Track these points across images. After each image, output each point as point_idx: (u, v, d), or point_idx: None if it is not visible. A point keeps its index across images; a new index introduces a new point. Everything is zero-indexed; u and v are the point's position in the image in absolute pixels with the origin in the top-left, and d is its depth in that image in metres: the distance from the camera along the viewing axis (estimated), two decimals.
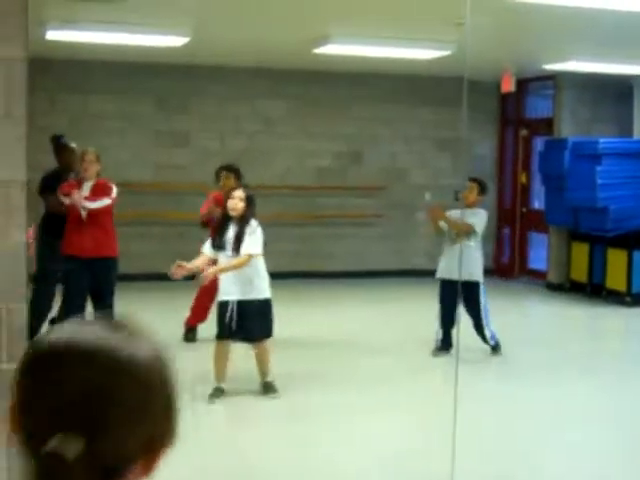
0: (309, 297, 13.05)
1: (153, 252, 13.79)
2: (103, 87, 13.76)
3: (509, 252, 15.87)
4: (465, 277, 9.02)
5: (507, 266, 15.83)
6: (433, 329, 9.73)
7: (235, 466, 6.38)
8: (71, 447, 1.23)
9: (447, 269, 9.45)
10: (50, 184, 9.30)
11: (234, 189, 7.98)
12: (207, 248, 7.93)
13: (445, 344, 9.64)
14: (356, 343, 10.35)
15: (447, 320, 9.55)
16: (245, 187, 8.12)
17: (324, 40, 10.66)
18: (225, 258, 7.78)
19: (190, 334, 10.06)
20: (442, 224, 9.71)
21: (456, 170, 14.93)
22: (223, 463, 6.42)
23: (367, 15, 9.32)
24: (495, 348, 9.74)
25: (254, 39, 11.11)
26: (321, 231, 14.94)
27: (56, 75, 13.29)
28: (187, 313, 10.12)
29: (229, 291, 7.80)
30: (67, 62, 13.13)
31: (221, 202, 8.47)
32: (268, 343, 8.02)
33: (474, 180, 9.88)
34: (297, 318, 10.85)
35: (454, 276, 8.86)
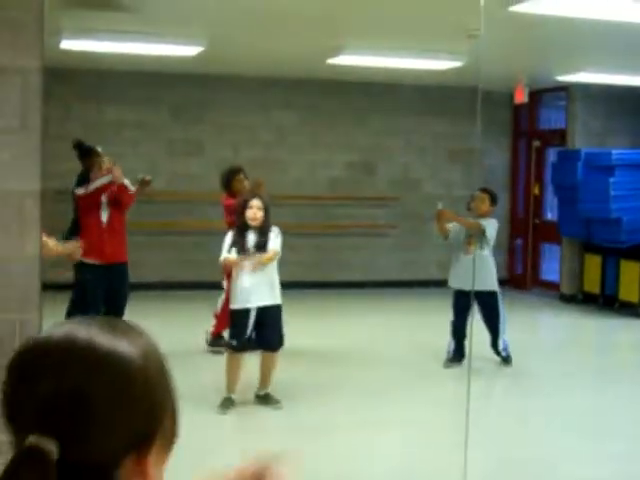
0: (321, 307, 13.05)
1: (166, 261, 13.84)
2: (118, 96, 13.82)
3: (522, 263, 15.86)
4: (481, 287, 9.07)
5: (520, 277, 15.81)
6: (445, 340, 9.72)
7: None
8: (47, 448, 1.22)
9: (462, 279, 9.41)
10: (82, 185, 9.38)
11: (250, 198, 7.93)
12: (230, 253, 7.88)
13: (458, 355, 9.63)
14: (367, 353, 10.36)
15: (460, 330, 9.53)
16: (257, 195, 8.11)
17: (338, 50, 10.69)
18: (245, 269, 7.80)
19: (217, 341, 9.94)
20: (451, 228, 9.72)
21: (468, 181, 14.93)
22: None
23: (381, 26, 9.34)
24: (506, 359, 9.72)
25: (268, 49, 11.14)
26: (333, 241, 14.95)
27: (71, 84, 13.35)
28: (207, 321, 10.01)
29: (249, 299, 7.79)
30: (82, 71, 13.20)
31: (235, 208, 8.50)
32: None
33: (485, 191, 9.90)
34: (308, 328, 10.85)
35: (468, 286, 8.86)
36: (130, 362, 1.30)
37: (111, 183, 9.08)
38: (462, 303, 9.35)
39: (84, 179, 9.41)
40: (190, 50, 10.69)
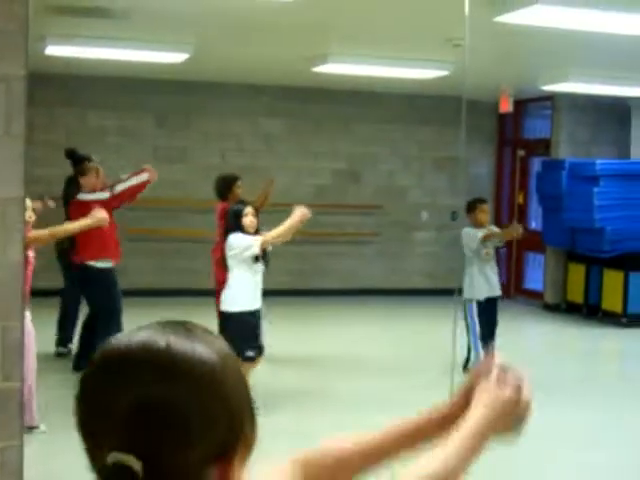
0: (306, 315, 13.05)
1: (150, 268, 13.81)
2: (103, 102, 13.80)
3: (506, 272, 15.88)
4: (498, 292, 9.94)
5: (504, 286, 15.79)
6: (431, 348, 9.73)
7: None
8: (134, 466, 1.19)
9: (490, 287, 9.82)
10: (70, 192, 9.37)
11: (242, 207, 7.97)
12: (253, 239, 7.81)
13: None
14: (352, 361, 10.36)
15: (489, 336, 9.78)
16: (243, 202, 8.24)
17: (323, 59, 10.70)
18: (257, 267, 7.86)
19: None
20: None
21: (453, 190, 14.98)
22: None
23: (366, 35, 9.37)
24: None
25: (255, 56, 11.15)
26: (319, 249, 14.96)
27: (55, 90, 13.33)
28: None
29: (254, 302, 7.86)
30: (66, 77, 13.17)
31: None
32: None
33: (482, 201, 10.09)
34: (293, 336, 10.86)
35: (496, 292, 9.83)
36: (212, 369, 1.27)
37: (145, 182, 9.12)
38: (492, 310, 9.84)
39: (73, 185, 9.37)
40: (176, 57, 10.69)
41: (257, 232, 7.88)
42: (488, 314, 9.77)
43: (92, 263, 8.85)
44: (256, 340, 7.81)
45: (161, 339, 1.26)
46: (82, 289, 9.26)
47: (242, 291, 7.85)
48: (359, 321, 12.92)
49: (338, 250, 15.09)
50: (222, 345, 1.32)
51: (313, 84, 13.80)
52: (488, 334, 9.78)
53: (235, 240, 7.79)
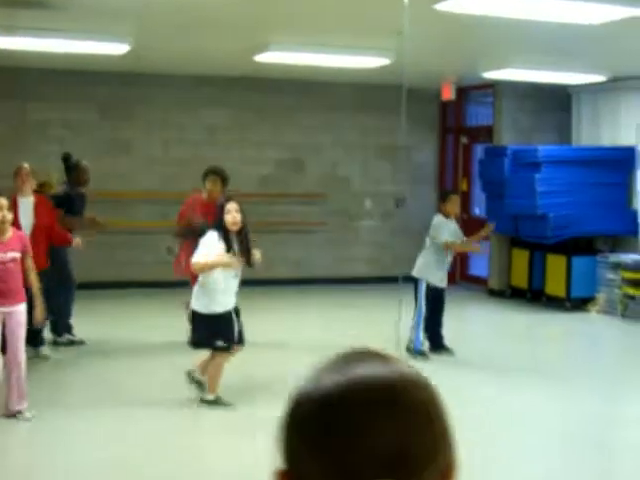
0: (252, 305, 13.00)
1: (96, 261, 13.70)
2: (45, 95, 13.67)
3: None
4: (444, 285, 10.28)
5: (448, 272, 15.91)
6: (377, 335, 9.77)
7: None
8: None
9: (440, 279, 10.19)
10: (60, 203, 9.87)
11: (226, 203, 7.76)
12: (210, 253, 7.64)
13: (437, 346, 10.16)
14: (300, 350, 10.38)
15: (439, 324, 10.19)
16: (229, 197, 8.01)
17: (264, 47, 10.68)
18: (233, 271, 7.77)
19: None
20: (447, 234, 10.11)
21: (397, 177, 15.04)
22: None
23: (308, 23, 9.37)
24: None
25: (196, 47, 11.11)
26: (264, 239, 14.88)
27: None
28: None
29: (228, 303, 7.86)
30: (7, 69, 13.03)
31: (206, 208, 8.49)
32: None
33: (453, 192, 10.35)
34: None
35: (444, 285, 10.24)
36: (436, 396, 1.28)
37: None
38: (441, 299, 10.19)
39: (63, 198, 9.98)
40: (117, 48, 10.61)
41: (243, 230, 7.71)
42: (435, 303, 10.05)
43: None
44: (227, 332, 7.82)
45: (383, 373, 1.27)
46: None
47: (209, 292, 7.79)
48: (307, 310, 12.95)
49: (283, 239, 15.08)
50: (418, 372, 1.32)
51: (256, 74, 13.77)
52: (432, 323, 9.99)
53: (201, 241, 7.71)
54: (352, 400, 1.23)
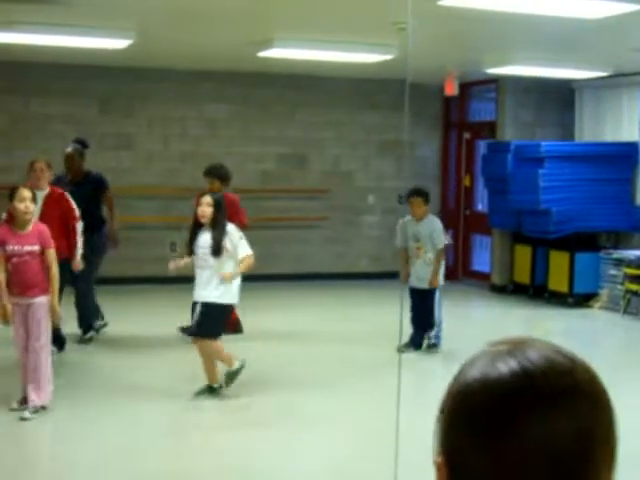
0: (253, 300, 12.98)
1: None
2: (46, 89, 13.64)
3: (453, 254, 15.96)
4: (424, 285, 9.95)
5: (451, 268, 15.91)
6: (375, 332, 9.77)
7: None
8: None
9: (413, 278, 10.00)
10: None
11: (202, 195, 8.03)
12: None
13: (414, 343, 10.07)
14: (299, 346, 10.37)
15: (414, 322, 10.07)
16: (203, 192, 8.22)
17: (268, 44, 10.65)
18: (201, 262, 7.91)
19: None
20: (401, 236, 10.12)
21: (400, 173, 15.02)
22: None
23: (311, 19, 9.34)
24: (435, 345, 10.13)
25: (198, 42, 11.08)
26: (265, 234, 14.91)
27: None
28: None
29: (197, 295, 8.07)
30: (9, 64, 13.00)
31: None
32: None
33: (417, 193, 10.03)
34: (243, 320, 10.81)
35: (420, 285, 9.94)
36: (604, 387, 1.25)
37: None
38: (414, 298, 9.99)
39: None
40: (118, 43, 10.58)
41: (215, 223, 7.85)
42: (415, 302, 10.03)
43: None
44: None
45: (563, 362, 1.24)
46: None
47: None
48: (307, 306, 12.93)
49: (285, 235, 15.07)
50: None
51: (258, 69, 13.74)
52: (416, 322, 10.02)
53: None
54: (530, 390, 1.18)
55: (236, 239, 7.92)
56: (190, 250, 8.01)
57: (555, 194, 13.01)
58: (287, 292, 13.96)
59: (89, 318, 10.23)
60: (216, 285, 7.88)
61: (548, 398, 1.17)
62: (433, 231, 9.94)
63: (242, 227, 9.26)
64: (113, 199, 10.62)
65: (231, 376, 8.06)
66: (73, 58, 12.61)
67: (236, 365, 8.07)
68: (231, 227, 7.96)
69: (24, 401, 7.42)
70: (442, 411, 1.24)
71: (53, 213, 8.92)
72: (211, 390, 8.06)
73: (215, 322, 8.00)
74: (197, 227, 7.97)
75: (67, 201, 9.09)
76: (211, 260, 7.85)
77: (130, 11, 9.14)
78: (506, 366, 1.20)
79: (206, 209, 7.83)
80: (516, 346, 1.24)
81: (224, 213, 7.95)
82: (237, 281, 8.08)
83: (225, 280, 7.84)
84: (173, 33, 10.43)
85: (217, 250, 7.82)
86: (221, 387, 8.06)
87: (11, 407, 7.48)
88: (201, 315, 7.91)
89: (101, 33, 10.07)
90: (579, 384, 1.20)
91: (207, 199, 7.88)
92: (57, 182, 9.61)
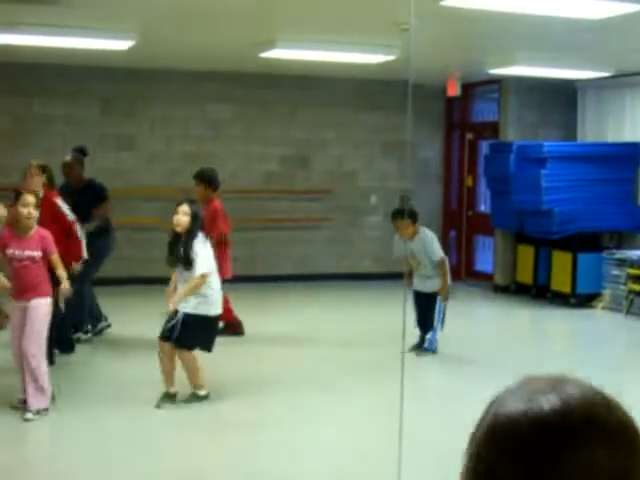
0: (256, 301, 13.01)
1: None
2: (48, 90, 13.64)
3: (455, 255, 15.95)
4: (428, 289, 9.99)
5: (453, 268, 15.89)
6: (377, 333, 9.76)
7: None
8: None
9: (418, 282, 10.08)
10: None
11: (180, 204, 7.73)
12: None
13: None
14: (302, 347, 10.37)
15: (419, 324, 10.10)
16: (192, 200, 7.98)
17: (271, 45, 10.65)
18: (178, 273, 7.76)
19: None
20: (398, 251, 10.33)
21: (402, 173, 15.01)
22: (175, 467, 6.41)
23: (314, 20, 9.33)
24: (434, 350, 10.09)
25: (201, 42, 11.07)
26: (268, 235, 14.93)
27: (0, 78, 13.16)
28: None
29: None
30: (11, 65, 13.00)
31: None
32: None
33: (402, 214, 10.04)
34: (245, 323, 10.81)
35: (424, 290, 9.98)
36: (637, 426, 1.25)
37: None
38: (418, 301, 10.02)
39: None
40: (120, 44, 10.58)
41: (188, 234, 7.57)
42: (418, 305, 10.04)
43: None
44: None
45: (595, 396, 1.25)
46: None
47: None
48: (310, 306, 12.92)
49: (288, 236, 15.07)
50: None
51: (261, 69, 13.73)
52: (420, 325, 10.07)
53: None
54: (568, 425, 1.19)
55: (196, 256, 7.56)
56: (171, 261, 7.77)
57: (558, 194, 13.01)
58: (290, 292, 13.96)
59: (75, 318, 10.06)
60: (194, 296, 7.63)
61: (584, 433, 1.19)
62: (425, 245, 9.95)
63: (224, 235, 9.25)
64: (112, 210, 10.64)
65: (195, 399, 7.83)
66: (75, 59, 12.61)
67: (202, 393, 7.85)
68: (198, 242, 7.60)
69: (24, 402, 7.43)
70: (477, 441, 1.26)
71: (45, 217, 8.93)
72: (197, 397, 7.89)
73: (192, 333, 7.66)
74: (177, 237, 7.68)
75: (57, 207, 9.08)
76: (185, 272, 7.65)
77: (132, 12, 9.14)
78: (548, 400, 1.22)
79: (182, 218, 7.56)
80: (555, 382, 1.28)
81: (199, 225, 7.67)
82: (214, 292, 7.77)
83: (169, 309, 7.62)
84: (175, 34, 10.42)
85: (185, 262, 7.57)
86: (207, 396, 7.90)
87: (12, 405, 7.51)
88: (181, 324, 7.59)
89: (103, 34, 10.08)
90: (619, 422, 1.22)
91: (184, 207, 7.59)
92: (63, 190, 9.65)
